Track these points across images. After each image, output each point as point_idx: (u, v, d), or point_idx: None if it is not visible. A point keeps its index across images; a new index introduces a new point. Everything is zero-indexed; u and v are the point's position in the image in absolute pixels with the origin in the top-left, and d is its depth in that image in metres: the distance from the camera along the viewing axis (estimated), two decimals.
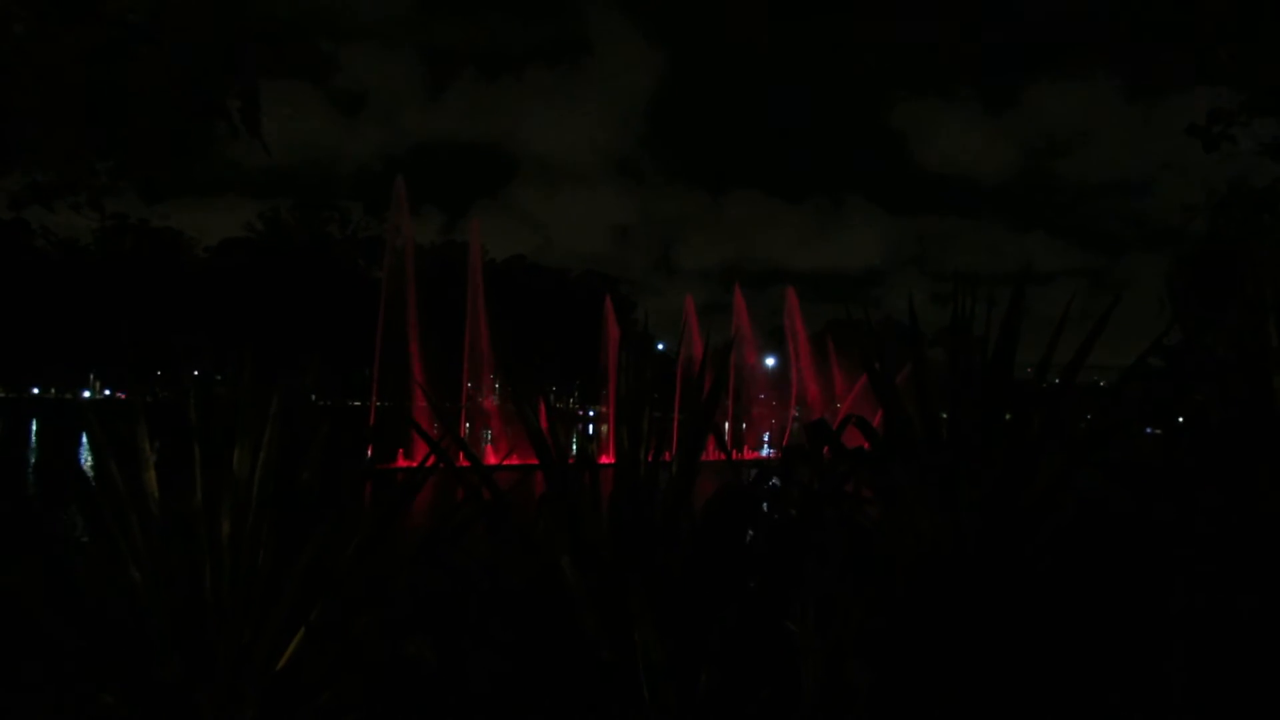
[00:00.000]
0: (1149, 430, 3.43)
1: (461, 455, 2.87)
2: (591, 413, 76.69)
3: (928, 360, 2.73)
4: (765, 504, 2.68)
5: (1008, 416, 2.68)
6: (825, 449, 2.81)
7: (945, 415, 2.67)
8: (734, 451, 3.29)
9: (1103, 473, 2.82)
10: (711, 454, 2.98)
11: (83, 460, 2.32)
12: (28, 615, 2.23)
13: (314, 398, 2.99)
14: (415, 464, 2.69)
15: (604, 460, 2.79)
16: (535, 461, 2.59)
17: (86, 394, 76.21)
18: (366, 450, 3.11)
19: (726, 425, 42.05)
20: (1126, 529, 2.56)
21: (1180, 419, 3.17)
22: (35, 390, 75.83)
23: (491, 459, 26.88)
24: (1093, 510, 2.62)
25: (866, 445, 2.76)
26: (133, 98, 3.51)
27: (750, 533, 2.60)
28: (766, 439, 44.64)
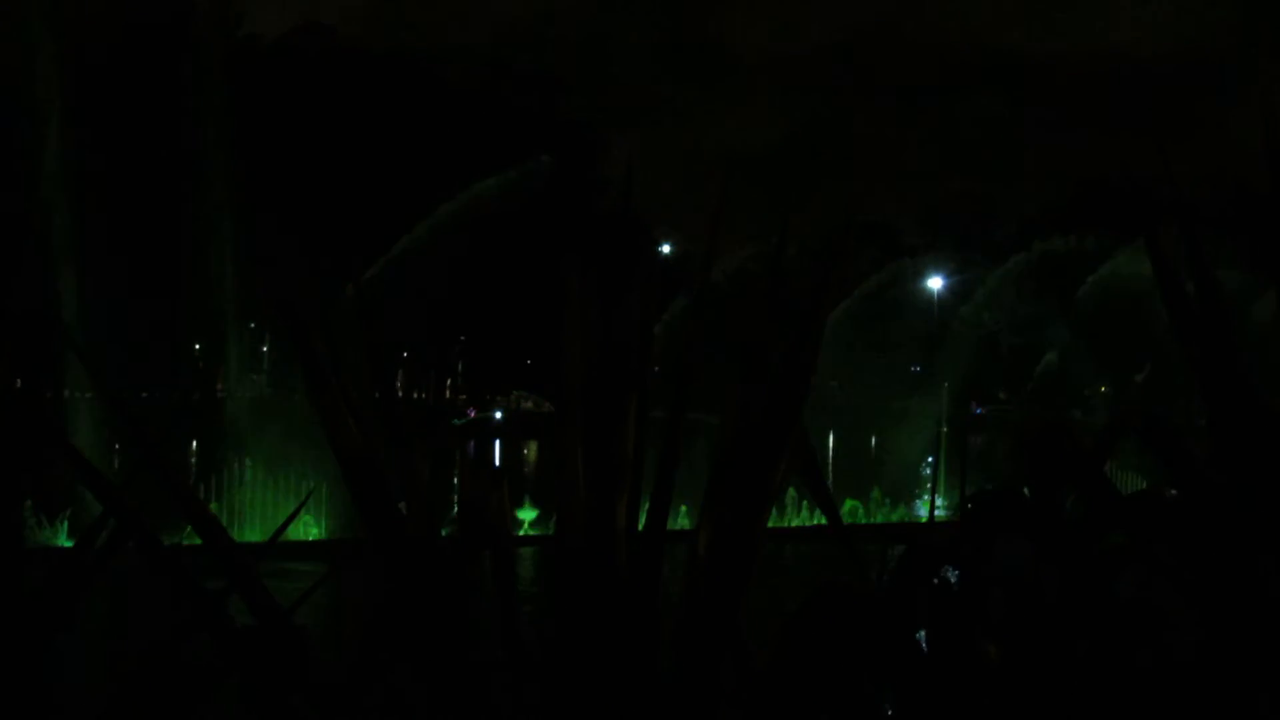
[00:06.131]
0: None
1: (190, 517, 2.77)
2: (498, 414, 73.45)
3: None
4: (923, 632, 2.64)
5: None
6: (1068, 495, 2.71)
7: None
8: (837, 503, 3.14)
9: None
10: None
11: None
12: None
13: None
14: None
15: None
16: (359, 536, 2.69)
17: None
18: None
19: (830, 441, 41.62)
20: None
21: None
22: None
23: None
24: None
25: (1169, 486, 2.68)
26: None
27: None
28: (930, 472, 42.89)
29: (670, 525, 2.62)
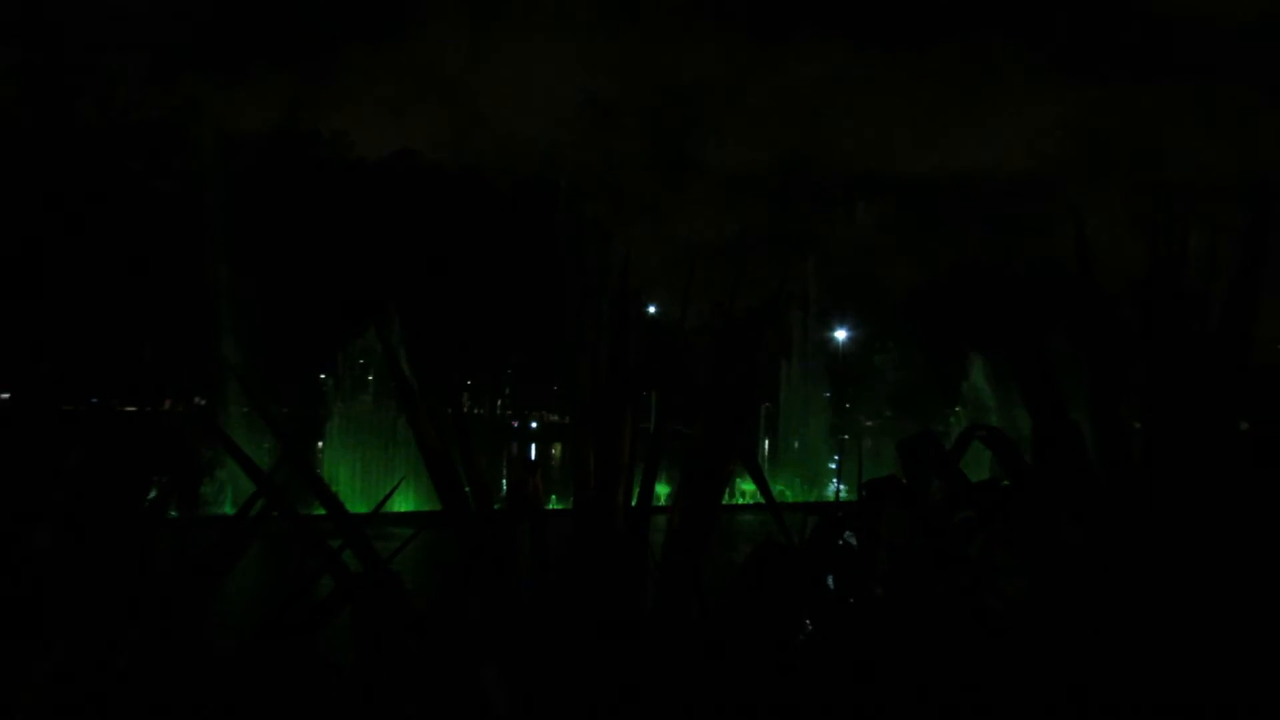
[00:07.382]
0: None
1: (318, 495, 2.69)
2: (534, 424, 73.61)
3: (1114, 329, 2.54)
4: (831, 578, 2.56)
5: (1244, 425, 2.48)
6: (933, 483, 2.64)
7: (1140, 424, 2.48)
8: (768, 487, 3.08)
9: None
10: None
11: None
12: None
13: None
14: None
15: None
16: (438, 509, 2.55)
17: None
18: (148, 484, 2.95)
19: (766, 445, 41.40)
20: None
21: None
22: None
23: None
24: None
25: (1003, 478, 2.59)
26: None
27: (808, 627, 2.53)
28: (836, 466, 42.68)
29: (654, 503, 2.60)
